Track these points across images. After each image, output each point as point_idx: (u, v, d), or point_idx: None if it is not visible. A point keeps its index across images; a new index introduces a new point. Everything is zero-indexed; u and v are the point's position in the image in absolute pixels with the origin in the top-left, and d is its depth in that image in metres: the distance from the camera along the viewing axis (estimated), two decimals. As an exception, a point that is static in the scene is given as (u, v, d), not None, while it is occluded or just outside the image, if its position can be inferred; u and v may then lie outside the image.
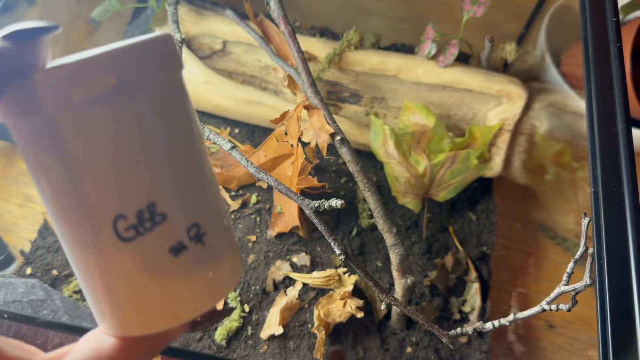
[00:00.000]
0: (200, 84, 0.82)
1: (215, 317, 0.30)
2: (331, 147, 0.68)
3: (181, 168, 0.25)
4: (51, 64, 0.22)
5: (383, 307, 0.71)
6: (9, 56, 0.21)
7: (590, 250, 0.47)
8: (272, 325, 0.67)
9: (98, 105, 0.22)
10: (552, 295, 0.53)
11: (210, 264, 0.26)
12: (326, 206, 0.56)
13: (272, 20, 0.71)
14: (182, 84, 0.26)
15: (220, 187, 0.79)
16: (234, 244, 0.29)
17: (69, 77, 0.21)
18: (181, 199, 0.25)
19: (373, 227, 0.78)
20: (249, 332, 0.68)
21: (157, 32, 0.25)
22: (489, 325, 0.59)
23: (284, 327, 0.68)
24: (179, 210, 0.25)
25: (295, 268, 0.73)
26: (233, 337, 0.68)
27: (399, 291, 0.66)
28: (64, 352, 0.25)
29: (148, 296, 0.25)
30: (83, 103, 0.22)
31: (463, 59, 0.87)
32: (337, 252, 0.53)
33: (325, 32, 0.93)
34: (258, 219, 0.78)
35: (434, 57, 0.78)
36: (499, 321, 0.58)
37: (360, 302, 0.67)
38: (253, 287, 0.71)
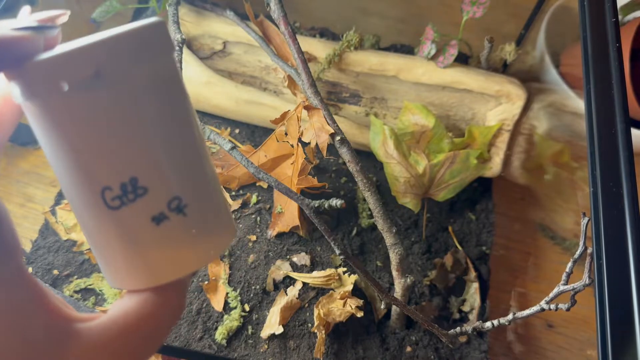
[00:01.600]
0: (201, 84, 0.82)
1: None
2: (331, 147, 0.68)
3: (165, 146, 0.27)
4: (41, 55, 0.25)
5: (383, 306, 0.71)
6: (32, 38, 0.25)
7: (589, 250, 0.47)
8: (273, 325, 0.67)
9: (81, 91, 0.25)
10: (552, 294, 0.53)
11: (192, 232, 0.29)
12: (326, 206, 0.56)
13: (273, 20, 0.72)
14: (172, 64, 0.29)
15: (221, 187, 0.79)
16: (224, 210, 0.32)
17: (53, 67, 0.24)
18: (162, 175, 0.27)
19: (373, 227, 0.78)
20: (249, 331, 0.68)
21: (148, 19, 0.27)
22: (488, 325, 0.60)
23: (284, 326, 0.68)
24: (159, 184, 0.27)
25: (295, 268, 0.73)
26: (233, 336, 0.68)
27: (398, 291, 0.66)
28: (98, 314, 0.28)
29: (138, 256, 0.28)
30: (69, 90, 0.24)
31: (462, 60, 0.87)
32: (337, 251, 0.54)
33: (325, 33, 0.93)
34: (258, 218, 0.78)
35: (433, 58, 0.78)
36: (499, 320, 0.58)
37: (360, 302, 0.67)
38: (253, 287, 0.71)
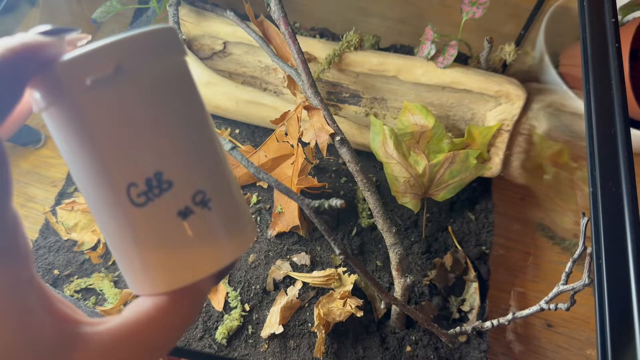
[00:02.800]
0: (201, 84, 0.82)
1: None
2: (331, 147, 0.68)
3: (186, 141, 0.28)
4: (65, 55, 0.26)
5: (383, 306, 0.71)
6: (51, 45, 0.26)
7: (588, 250, 0.47)
8: (273, 324, 0.67)
9: (105, 86, 0.26)
10: (551, 294, 0.53)
11: (218, 226, 0.29)
12: (326, 206, 0.56)
13: (273, 21, 0.72)
14: (185, 66, 0.30)
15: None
16: (244, 209, 0.32)
17: (78, 66, 0.25)
18: (186, 168, 0.28)
19: (373, 227, 0.78)
20: (250, 331, 0.68)
21: (162, 25, 0.28)
22: (488, 325, 0.60)
23: (284, 326, 0.68)
24: (184, 178, 0.28)
25: (295, 267, 0.73)
26: (234, 336, 0.68)
27: (398, 290, 0.66)
28: (108, 318, 0.27)
29: (164, 255, 0.28)
30: (92, 85, 0.25)
31: (462, 60, 0.87)
32: (337, 251, 0.54)
33: (325, 33, 0.93)
34: (258, 218, 0.78)
35: (433, 58, 0.78)
36: (498, 320, 0.58)
37: (360, 302, 0.67)
38: (253, 287, 0.71)
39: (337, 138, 0.65)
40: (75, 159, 0.27)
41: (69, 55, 0.26)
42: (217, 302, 0.70)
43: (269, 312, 0.69)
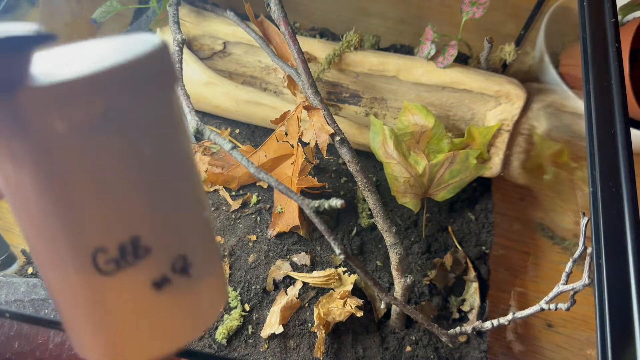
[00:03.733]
0: (201, 84, 0.82)
1: None
2: (331, 147, 0.68)
3: (170, 198, 0.23)
4: (36, 75, 0.19)
5: (383, 306, 0.71)
6: None
7: (588, 250, 0.47)
8: (273, 324, 0.67)
9: (83, 134, 0.20)
10: (551, 294, 0.53)
11: (193, 296, 0.25)
12: (326, 206, 0.56)
13: (273, 21, 0.72)
14: (175, 101, 0.24)
15: (221, 187, 0.80)
16: (220, 269, 0.28)
17: (52, 101, 0.19)
18: (169, 232, 0.23)
19: (373, 227, 0.78)
20: (250, 331, 0.68)
21: (151, 40, 0.23)
22: (488, 325, 0.60)
23: (284, 326, 0.68)
24: (165, 243, 0.23)
25: (295, 267, 0.73)
26: (233, 336, 0.68)
27: (398, 290, 0.66)
28: None
29: (126, 330, 0.23)
30: (66, 131, 0.20)
31: (462, 60, 0.87)
32: (337, 251, 0.53)
33: (325, 33, 0.93)
34: (258, 218, 0.78)
35: (433, 58, 0.78)
36: (498, 320, 0.58)
37: (360, 302, 0.67)
38: (253, 287, 0.71)
39: (337, 138, 0.65)
40: (28, 210, 0.22)
41: (38, 77, 0.19)
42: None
43: (269, 312, 0.69)
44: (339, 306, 0.67)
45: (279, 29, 0.71)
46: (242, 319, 0.69)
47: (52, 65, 0.20)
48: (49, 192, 0.21)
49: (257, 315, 0.69)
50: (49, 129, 0.19)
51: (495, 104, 0.79)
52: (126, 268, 0.22)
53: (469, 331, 0.63)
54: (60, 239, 0.21)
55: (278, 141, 0.73)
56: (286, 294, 0.70)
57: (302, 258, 0.74)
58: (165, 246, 0.23)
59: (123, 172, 0.21)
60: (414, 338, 0.70)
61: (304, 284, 0.71)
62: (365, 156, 0.83)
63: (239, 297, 0.70)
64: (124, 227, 0.22)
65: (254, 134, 0.87)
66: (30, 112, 0.19)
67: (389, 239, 0.64)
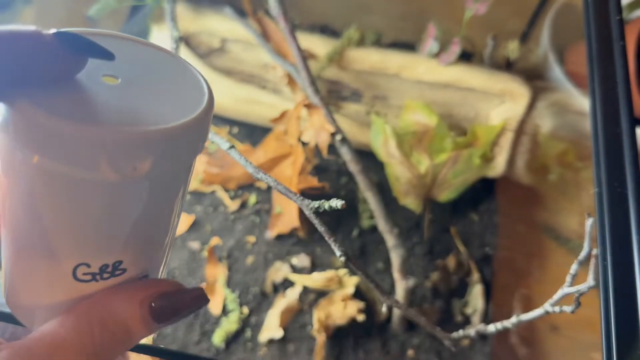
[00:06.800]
0: (199, 83, 0.81)
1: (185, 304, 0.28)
2: (331, 147, 0.68)
3: (155, 233, 0.26)
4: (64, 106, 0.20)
5: (384, 309, 0.70)
6: (48, 53, 0.19)
7: (594, 252, 0.46)
8: (272, 328, 0.67)
9: (118, 182, 0.21)
10: (556, 297, 0.52)
11: None
12: (326, 207, 0.55)
13: (272, 17, 0.71)
14: (193, 162, 0.26)
15: (219, 187, 0.79)
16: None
17: (113, 145, 0.20)
18: (145, 259, 0.27)
19: (374, 228, 0.78)
20: (248, 334, 0.67)
21: (201, 87, 0.24)
22: (491, 328, 0.59)
23: (283, 329, 0.67)
24: (139, 266, 0.27)
25: (295, 269, 0.73)
26: (232, 339, 0.67)
27: (400, 293, 0.66)
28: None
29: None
30: (106, 176, 0.21)
31: (465, 57, 0.86)
32: (338, 253, 0.53)
33: (326, 30, 0.93)
34: (257, 219, 0.77)
35: (435, 56, 0.78)
36: (502, 323, 0.58)
37: (361, 305, 0.67)
38: (252, 289, 0.71)
39: (338, 137, 0.65)
40: (22, 216, 0.23)
41: (77, 109, 0.20)
42: (215, 305, 0.69)
43: (267, 315, 0.69)
44: (340, 309, 0.66)
45: (278, 26, 0.71)
46: (240, 323, 0.68)
47: (106, 88, 0.22)
48: (67, 214, 0.22)
49: (255, 319, 0.69)
50: (96, 167, 0.20)
51: (499, 103, 0.78)
52: (99, 281, 0.25)
53: (473, 334, 0.62)
54: (52, 253, 0.24)
55: (277, 140, 0.73)
56: (285, 296, 0.70)
57: (301, 260, 0.73)
58: (138, 268, 0.27)
59: (131, 213, 0.23)
60: (416, 342, 0.69)
61: (304, 286, 0.71)
62: (366, 156, 0.82)
63: (238, 300, 0.70)
64: (114, 254, 0.25)
65: (252, 132, 0.86)
66: (86, 146, 0.20)
67: (390, 240, 0.64)
